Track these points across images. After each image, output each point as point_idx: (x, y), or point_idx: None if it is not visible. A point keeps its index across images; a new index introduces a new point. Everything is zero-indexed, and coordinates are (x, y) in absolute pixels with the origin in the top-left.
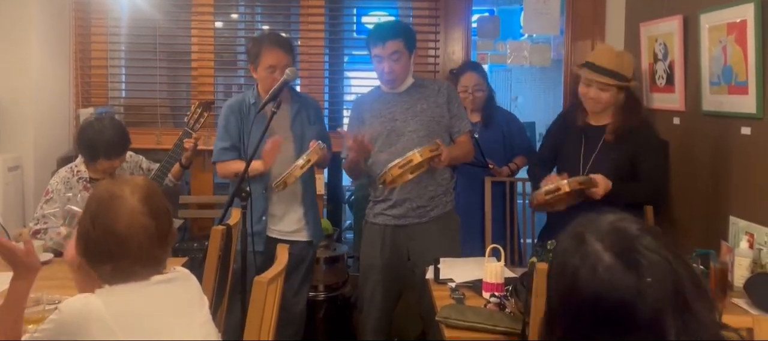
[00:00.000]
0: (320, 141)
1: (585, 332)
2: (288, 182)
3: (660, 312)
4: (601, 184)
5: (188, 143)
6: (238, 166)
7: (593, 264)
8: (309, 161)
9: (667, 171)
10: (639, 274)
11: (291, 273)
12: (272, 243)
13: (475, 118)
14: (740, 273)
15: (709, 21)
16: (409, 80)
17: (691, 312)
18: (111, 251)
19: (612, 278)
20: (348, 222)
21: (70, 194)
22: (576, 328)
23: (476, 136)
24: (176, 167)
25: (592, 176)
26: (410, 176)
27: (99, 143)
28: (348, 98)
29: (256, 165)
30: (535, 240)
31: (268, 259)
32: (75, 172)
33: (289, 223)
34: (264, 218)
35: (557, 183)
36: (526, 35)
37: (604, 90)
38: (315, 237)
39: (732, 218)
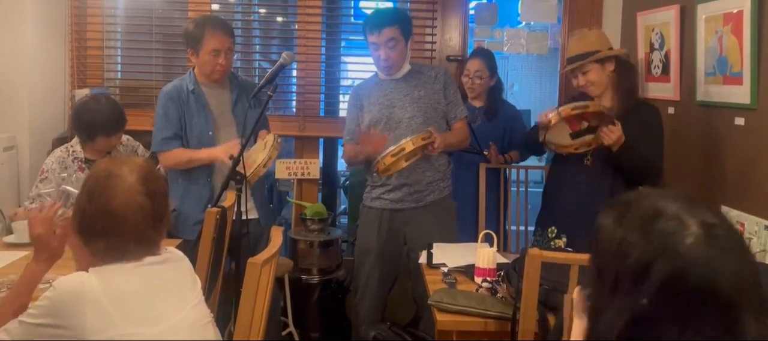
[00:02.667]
0: (276, 135)
1: (665, 320)
2: (252, 182)
3: (738, 303)
4: (617, 130)
5: None
6: (187, 155)
7: (686, 238)
8: (270, 158)
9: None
10: (724, 255)
11: (253, 250)
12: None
13: (478, 103)
14: None
15: (705, 11)
16: (406, 67)
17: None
18: (105, 227)
19: (702, 251)
20: (343, 207)
21: (65, 174)
22: (653, 316)
23: (477, 123)
24: None
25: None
26: (405, 164)
27: (97, 121)
28: (344, 83)
29: (218, 155)
30: (527, 227)
31: (229, 240)
32: (70, 152)
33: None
34: (210, 205)
35: (586, 102)
36: (524, 23)
37: (586, 71)
38: (263, 215)
39: (724, 208)
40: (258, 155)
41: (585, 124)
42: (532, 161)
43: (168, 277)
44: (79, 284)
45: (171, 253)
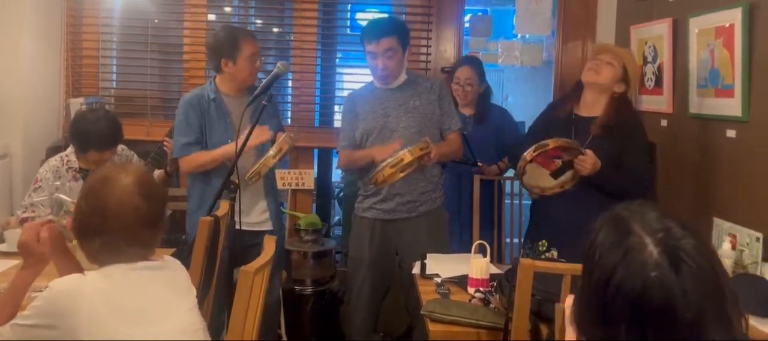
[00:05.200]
0: (288, 133)
1: (619, 330)
2: (262, 173)
3: (702, 320)
4: (590, 158)
5: (169, 144)
6: (204, 157)
7: (640, 257)
8: (281, 150)
9: (652, 171)
10: (683, 276)
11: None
12: (239, 236)
13: (468, 111)
14: None
15: (697, 25)
16: (403, 77)
17: (731, 326)
18: (98, 225)
19: (658, 274)
20: (337, 218)
21: (59, 183)
22: (610, 327)
23: (467, 131)
24: (162, 173)
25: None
26: (401, 175)
27: (92, 134)
28: (340, 94)
29: (231, 148)
30: (521, 239)
31: (239, 251)
32: (65, 161)
33: (254, 215)
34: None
35: (546, 141)
36: (519, 36)
37: (610, 64)
38: (277, 227)
39: (716, 220)
40: (270, 152)
41: (559, 161)
42: None
43: (162, 283)
44: (76, 284)
45: (167, 260)
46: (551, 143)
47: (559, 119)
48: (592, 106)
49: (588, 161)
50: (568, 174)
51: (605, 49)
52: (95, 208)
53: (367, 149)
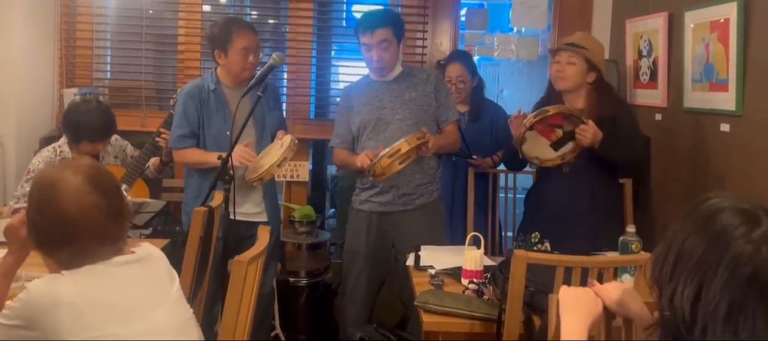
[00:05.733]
0: (293, 137)
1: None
2: (265, 179)
3: None
4: (591, 127)
5: (164, 138)
6: (198, 156)
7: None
8: (285, 158)
9: (645, 148)
10: None
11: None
12: (234, 227)
13: (463, 108)
14: None
15: (693, 19)
16: (398, 69)
17: None
18: (65, 235)
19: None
20: (331, 210)
21: None
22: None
23: (462, 127)
24: (157, 161)
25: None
26: (399, 167)
27: (84, 125)
28: (335, 87)
29: (216, 161)
30: (515, 232)
31: (234, 242)
32: (58, 152)
33: (250, 206)
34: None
35: (546, 107)
36: (515, 29)
37: (571, 62)
38: (273, 219)
39: None
40: (273, 155)
41: (559, 131)
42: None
43: (143, 276)
44: (53, 288)
45: (146, 251)
46: (552, 109)
47: None
48: (575, 103)
49: (589, 131)
50: (569, 146)
51: (560, 50)
52: (54, 219)
53: (352, 157)
